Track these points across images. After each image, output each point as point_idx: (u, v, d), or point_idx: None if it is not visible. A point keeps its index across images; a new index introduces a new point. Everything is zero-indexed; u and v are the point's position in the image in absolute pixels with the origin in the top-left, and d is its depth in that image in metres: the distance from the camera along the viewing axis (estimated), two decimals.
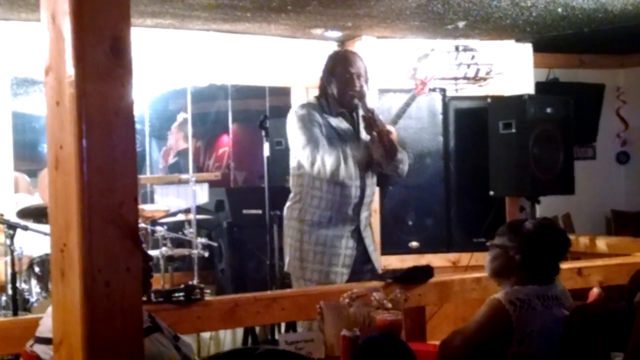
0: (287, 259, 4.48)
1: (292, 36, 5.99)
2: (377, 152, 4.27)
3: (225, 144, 8.91)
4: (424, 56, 5.92)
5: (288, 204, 4.48)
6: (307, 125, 4.33)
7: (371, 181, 4.47)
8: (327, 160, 4.21)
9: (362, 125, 4.36)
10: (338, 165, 4.19)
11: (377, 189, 4.60)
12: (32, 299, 5.06)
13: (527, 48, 6.42)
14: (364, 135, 4.42)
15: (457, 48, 5.98)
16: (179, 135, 7.85)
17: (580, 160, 7.37)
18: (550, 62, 7.40)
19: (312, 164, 4.25)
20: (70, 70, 2.03)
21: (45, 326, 2.88)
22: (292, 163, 4.48)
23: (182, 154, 7.77)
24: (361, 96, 4.34)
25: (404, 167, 4.52)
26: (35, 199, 5.81)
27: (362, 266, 4.43)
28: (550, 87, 7.37)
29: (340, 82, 4.40)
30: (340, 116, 4.41)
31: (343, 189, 4.34)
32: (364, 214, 4.45)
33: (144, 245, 4.56)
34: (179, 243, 5.86)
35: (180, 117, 7.93)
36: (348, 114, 4.43)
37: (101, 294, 2.01)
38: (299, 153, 4.34)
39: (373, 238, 4.61)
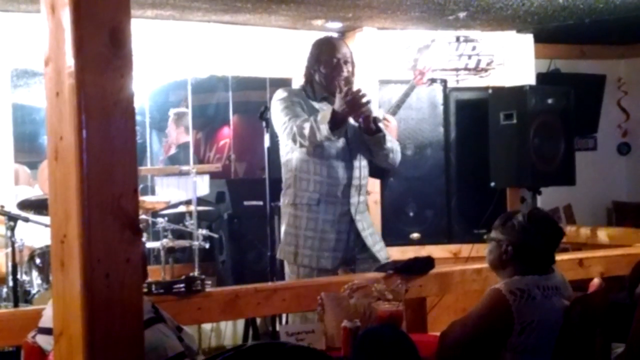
0: (279, 246, 4.48)
1: (293, 27, 5.99)
2: (338, 104, 4.18)
3: (226, 135, 8.90)
4: (424, 47, 5.90)
5: (282, 192, 4.48)
6: (288, 106, 4.32)
7: (359, 163, 4.38)
8: (300, 126, 4.18)
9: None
10: (311, 126, 4.15)
11: (368, 174, 4.49)
12: (33, 291, 5.06)
13: (528, 39, 6.41)
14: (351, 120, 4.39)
15: (458, 39, 5.97)
16: (179, 130, 7.82)
17: (581, 151, 7.36)
18: (551, 53, 7.38)
19: (294, 137, 4.22)
20: (69, 61, 2.02)
21: (48, 316, 2.88)
22: (281, 150, 4.47)
23: (183, 146, 7.75)
24: (348, 82, 4.32)
25: (395, 157, 4.48)
26: (36, 191, 5.81)
27: (355, 252, 4.38)
28: (552, 78, 7.35)
29: (327, 68, 4.38)
30: (325, 101, 4.39)
31: (330, 169, 4.31)
32: (355, 198, 4.36)
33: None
34: (179, 234, 5.86)
35: (171, 112, 7.88)
36: (334, 99, 4.39)
37: (101, 284, 2.01)
38: (283, 133, 4.33)
39: (370, 223, 4.52)
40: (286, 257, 4.40)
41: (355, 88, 4.25)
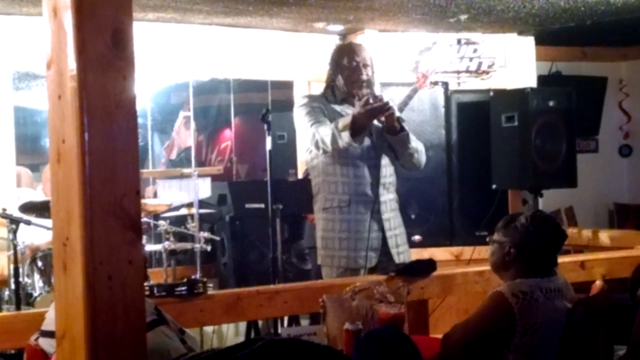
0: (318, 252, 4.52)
1: (294, 30, 5.99)
2: (357, 111, 4.20)
3: (228, 137, 8.91)
4: (426, 49, 5.91)
5: (313, 199, 4.50)
6: (310, 112, 4.37)
7: (385, 161, 4.42)
8: (322, 133, 4.22)
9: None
10: (332, 133, 4.18)
11: (394, 171, 4.52)
12: (35, 293, 5.06)
13: (530, 41, 6.41)
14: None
15: (459, 41, 5.98)
16: (187, 132, 7.86)
17: (583, 153, 7.35)
18: (553, 55, 7.38)
19: (316, 144, 4.27)
20: (71, 63, 2.03)
21: (50, 319, 2.89)
22: (306, 156, 4.51)
23: (188, 149, 7.77)
24: (369, 85, 4.35)
25: (420, 158, 4.51)
26: (38, 193, 5.81)
27: (383, 251, 4.40)
28: (553, 80, 7.36)
29: (347, 72, 4.42)
30: (346, 102, 4.42)
31: (355, 169, 4.34)
32: (385, 196, 4.41)
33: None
34: (181, 237, 5.85)
35: (182, 115, 7.92)
36: (355, 102, 4.41)
37: (103, 286, 2.01)
38: (306, 139, 4.36)
39: (400, 223, 4.54)
40: (323, 261, 4.44)
41: (377, 92, 4.31)
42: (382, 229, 4.40)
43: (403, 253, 4.47)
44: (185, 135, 7.85)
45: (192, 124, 7.90)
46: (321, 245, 4.45)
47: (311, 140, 4.30)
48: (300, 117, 4.41)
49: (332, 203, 4.38)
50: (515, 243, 3.16)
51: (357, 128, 4.17)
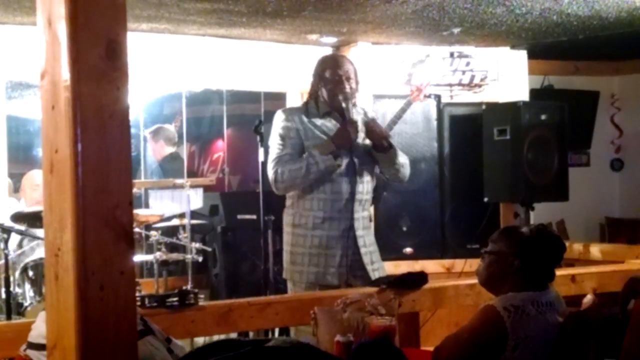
0: (284, 266, 4.48)
1: (288, 41, 6.00)
2: (352, 131, 4.25)
3: (220, 148, 8.92)
4: (419, 62, 5.93)
5: (284, 210, 4.47)
6: (283, 136, 4.36)
7: (362, 178, 4.38)
8: (289, 168, 4.24)
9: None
10: (308, 163, 4.19)
11: (372, 188, 4.50)
12: (26, 303, 5.05)
13: (522, 55, 6.43)
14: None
15: (452, 54, 5.99)
16: (158, 144, 7.66)
17: (575, 166, 7.38)
18: (545, 69, 7.42)
19: (275, 182, 4.29)
20: (65, 74, 2.03)
21: (37, 331, 2.87)
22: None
23: (169, 158, 7.65)
24: (349, 98, 4.33)
25: (405, 171, 4.49)
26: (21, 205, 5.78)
27: (356, 267, 4.36)
28: (545, 93, 7.39)
29: (330, 84, 4.39)
30: (328, 116, 4.40)
31: (333, 185, 4.31)
32: (359, 213, 4.37)
33: None
34: (173, 247, 5.85)
35: (146, 133, 7.79)
36: (338, 115, 4.40)
37: (95, 296, 2.00)
38: (268, 171, 4.39)
39: (373, 241, 4.50)
40: (291, 276, 4.38)
41: (357, 102, 4.31)
42: (356, 246, 4.35)
43: (378, 270, 4.43)
44: (156, 147, 7.69)
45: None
46: (288, 260, 4.39)
47: (270, 177, 4.31)
48: (272, 136, 4.41)
49: (307, 220, 4.34)
50: (520, 254, 3.12)
51: (339, 148, 4.26)
